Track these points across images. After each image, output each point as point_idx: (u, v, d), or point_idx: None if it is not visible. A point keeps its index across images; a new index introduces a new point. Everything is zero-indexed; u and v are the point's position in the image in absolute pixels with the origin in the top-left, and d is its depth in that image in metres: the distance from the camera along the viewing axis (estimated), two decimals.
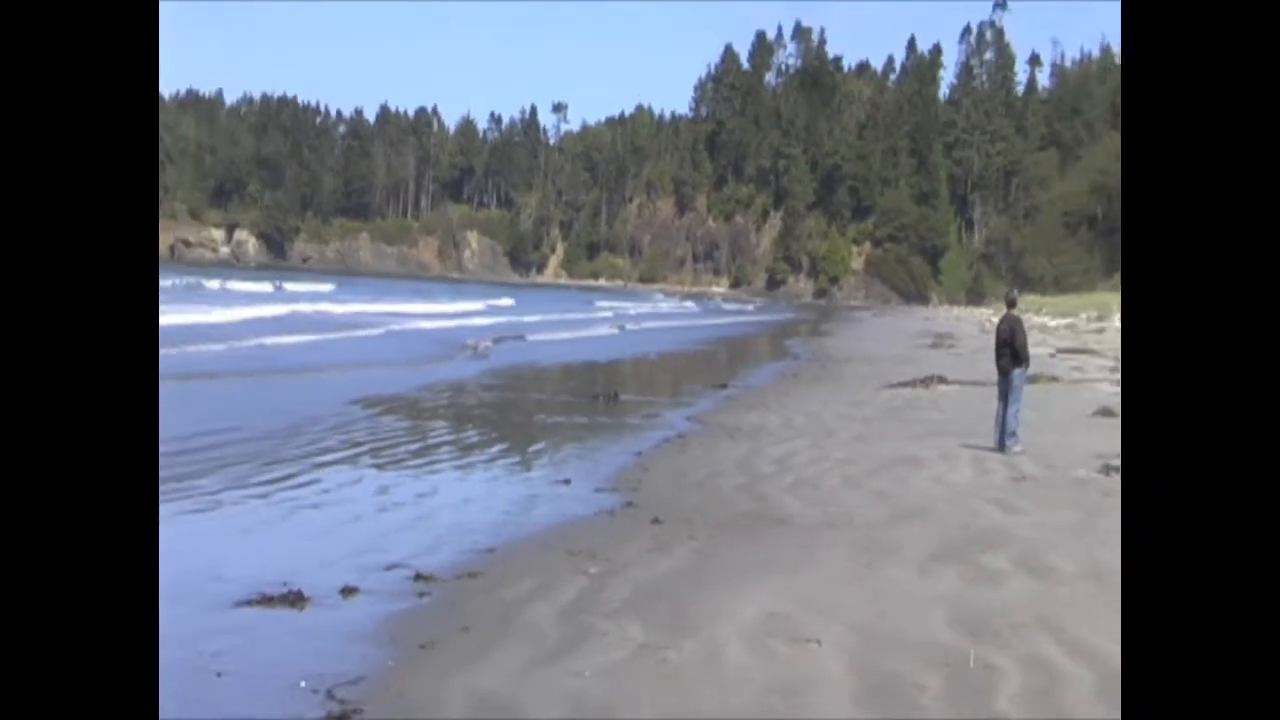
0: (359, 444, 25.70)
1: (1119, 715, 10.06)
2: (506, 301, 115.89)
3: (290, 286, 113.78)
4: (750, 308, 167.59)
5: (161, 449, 22.69)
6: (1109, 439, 27.44)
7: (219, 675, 10.86)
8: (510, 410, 34.48)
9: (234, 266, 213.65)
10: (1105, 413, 33.11)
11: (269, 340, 53.92)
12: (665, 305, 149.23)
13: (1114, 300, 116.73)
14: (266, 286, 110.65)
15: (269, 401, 33.84)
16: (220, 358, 45.63)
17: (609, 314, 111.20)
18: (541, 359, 55.88)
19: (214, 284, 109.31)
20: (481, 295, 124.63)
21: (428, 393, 38.12)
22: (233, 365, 43.59)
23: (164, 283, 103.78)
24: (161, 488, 19.49)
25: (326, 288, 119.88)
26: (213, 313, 66.90)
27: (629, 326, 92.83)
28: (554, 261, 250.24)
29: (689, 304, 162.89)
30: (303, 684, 10.64)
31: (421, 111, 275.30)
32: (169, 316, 60.31)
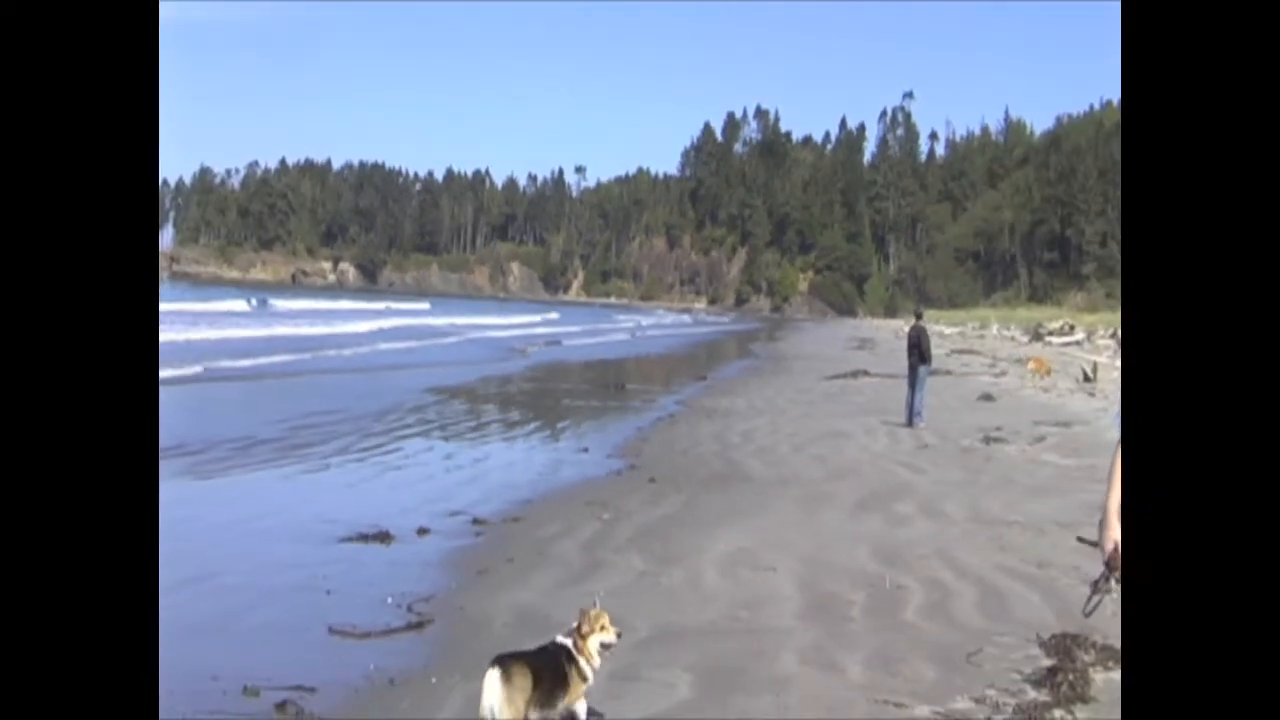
0: (431, 421, 25.68)
1: (993, 623, 10.11)
2: (554, 315, 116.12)
3: (396, 305, 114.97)
4: (726, 319, 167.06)
5: (290, 425, 22.73)
6: (989, 417, 27.49)
7: (328, 592, 10.87)
8: (543, 397, 34.43)
9: (338, 290, 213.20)
10: (986, 397, 33.14)
11: (383, 345, 54.64)
12: (668, 319, 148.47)
13: (992, 314, 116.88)
14: (381, 305, 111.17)
15: (372, 389, 33.84)
16: (346, 359, 45.90)
17: (630, 324, 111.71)
18: (571, 358, 55.86)
19: (344, 304, 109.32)
20: (536, 311, 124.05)
21: (483, 383, 38.13)
22: (354, 364, 43.87)
23: (324, 304, 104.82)
24: (288, 454, 19.52)
25: (424, 305, 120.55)
26: (341, 326, 67.96)
27: (638, 334, 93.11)
28: (575, 285, 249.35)
29: (685, 317, 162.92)
30: (389, 599, 10.65)
31: (477, 173, 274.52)
32: (315, 329, 61.07)
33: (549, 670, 6.90)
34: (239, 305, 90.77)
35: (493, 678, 6.68)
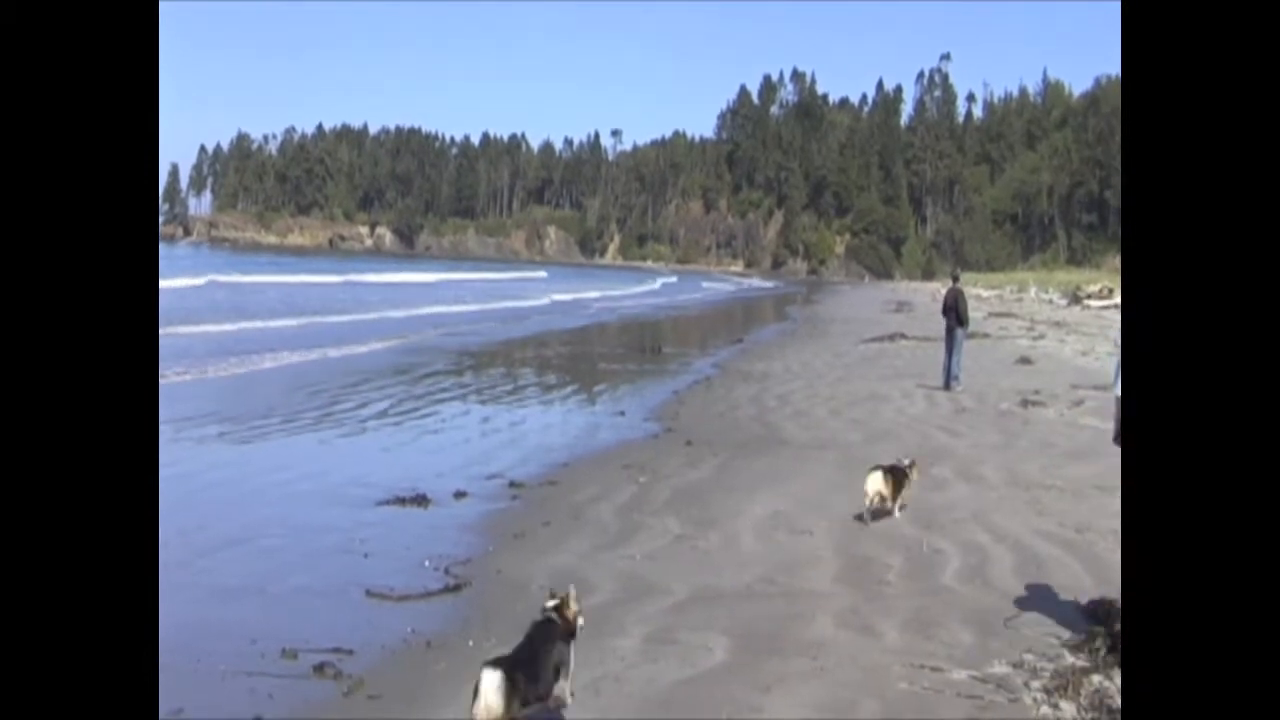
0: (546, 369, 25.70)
1: (1028, 588, 10.05)
2: (658, 285, 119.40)
3: (523, 275, 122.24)
4: (772, 284, 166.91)
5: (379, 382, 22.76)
6: (1026, 380, 27.33)
7: (366, 556, 10.91)
8: (582, 360, 34.46)
9: (375, 255, 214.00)
10: (1024, 361, 32.93)
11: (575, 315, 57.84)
12: (728, 285, 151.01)
13: (1030, 277, 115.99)
14: (510, 275, 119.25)
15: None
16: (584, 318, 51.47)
17: (725, 285, 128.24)
18: (639, 315, 57.44)
19: (489, 276, 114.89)
20: (639, 282, 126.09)
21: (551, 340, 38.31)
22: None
23: (461, 276, 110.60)
24: (331, 417, 19.57)
25: (541, 274, 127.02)
26: (523, 301, 71.33)
27: (722, 293, 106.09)
28: (612, 248, 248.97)
29: (749, 281, 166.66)
30: (426, 563, 10.69)
31: (513, 137, 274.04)
32: (514, 302, 67.49)
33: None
34: (428, 276, 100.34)
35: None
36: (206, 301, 51.22)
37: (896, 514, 12.66)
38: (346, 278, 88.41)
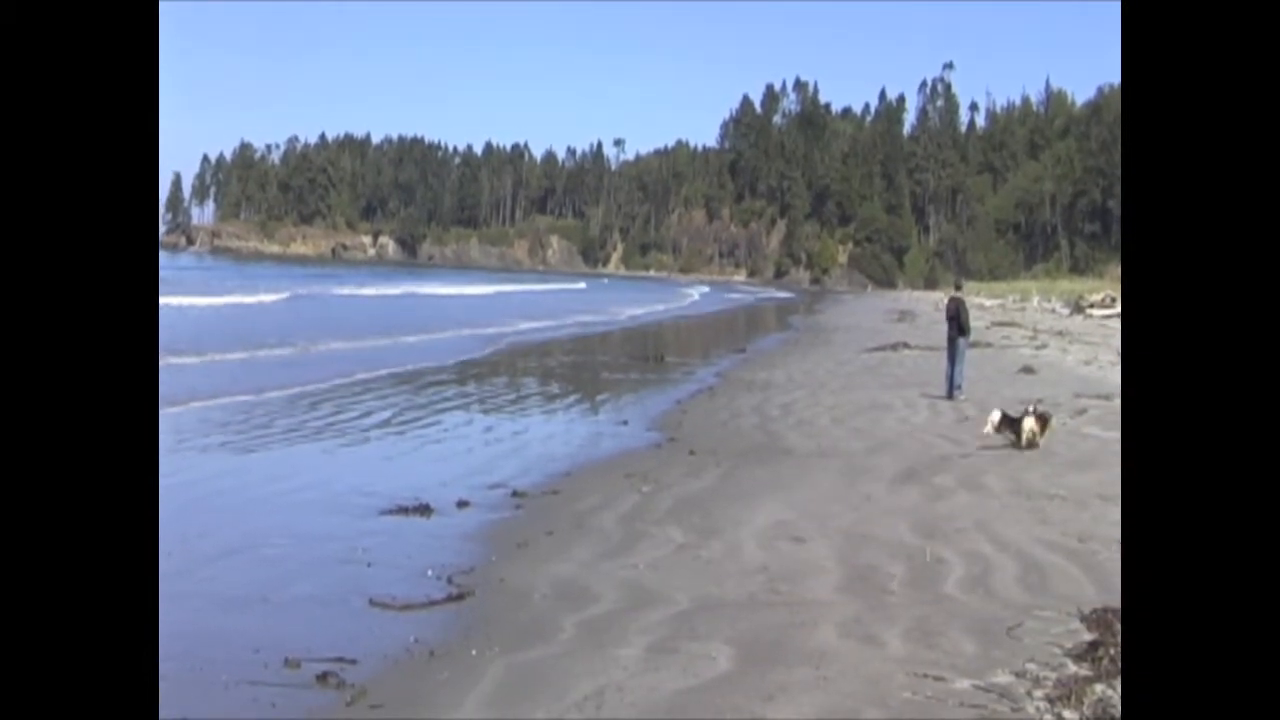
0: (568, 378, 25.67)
1: (1033, 597, 10.04)
2: (696, 296, 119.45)
3: (564, 286, 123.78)
4: (784, 295, 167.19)
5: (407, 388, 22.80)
6: (1029, 389, 27.28)
7: (369, 565, 10.92)
8: (584, 369, 34.47)
9: (378, 263, 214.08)
10: (1026, 370, 32.89)
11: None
12: (737, 292, 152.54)
13: (1033, 286, 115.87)
14: (552, 286, 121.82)
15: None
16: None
17: (745, 295, 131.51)
18: (691, 321, 59.85)
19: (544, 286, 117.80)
20: (685, 293, 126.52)
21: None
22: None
23: (542, 288, 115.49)
24: (338, 425, 19.58)
25: (579, 286, 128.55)
26: (620, 312, 73.13)
27: (737, 301, 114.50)
28: (615, 258, 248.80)
29: (768, 291, 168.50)
30: (430, 572, 10.69)
31: (516, 146, 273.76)
32: (602, 316, 68.41)
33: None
34: (478, 289, 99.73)
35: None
36: (312, 317, 50.72)
37: (1040, 445, 17.61)
38: (405, 289, 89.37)
